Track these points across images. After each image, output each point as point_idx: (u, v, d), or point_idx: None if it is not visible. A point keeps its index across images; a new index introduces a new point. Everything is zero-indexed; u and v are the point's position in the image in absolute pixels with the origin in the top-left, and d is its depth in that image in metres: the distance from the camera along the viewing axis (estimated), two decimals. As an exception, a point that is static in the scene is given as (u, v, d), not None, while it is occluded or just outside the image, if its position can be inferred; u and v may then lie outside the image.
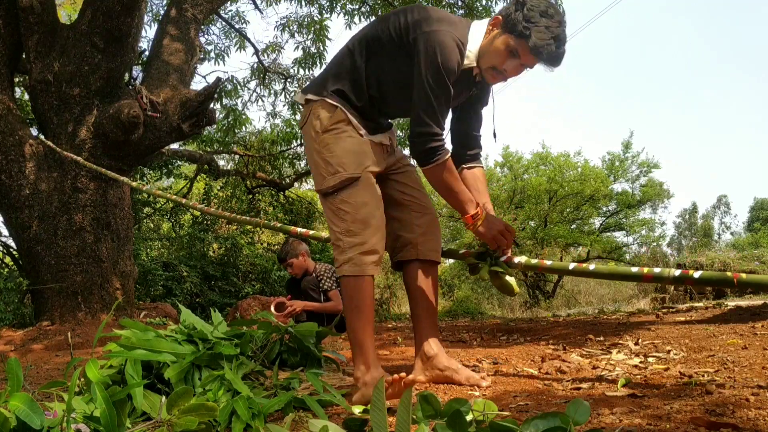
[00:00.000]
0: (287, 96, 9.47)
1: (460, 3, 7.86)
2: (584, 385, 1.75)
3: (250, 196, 10.23)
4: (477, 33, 1.81)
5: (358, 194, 1.80)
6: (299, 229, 2.69)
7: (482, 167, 2.08)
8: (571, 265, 1.85)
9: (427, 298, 1.96)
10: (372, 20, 1.87)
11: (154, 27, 8.05)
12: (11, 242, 6.50)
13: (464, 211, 1.87)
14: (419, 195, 2.02)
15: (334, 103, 1.85)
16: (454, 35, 1.73)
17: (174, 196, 3.78)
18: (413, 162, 2.04)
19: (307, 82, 2.01)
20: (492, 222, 1.87)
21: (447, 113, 1.81)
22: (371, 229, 1.79)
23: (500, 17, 1.77)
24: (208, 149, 9.39)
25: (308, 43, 8.62)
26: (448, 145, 1.87)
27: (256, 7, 8.64)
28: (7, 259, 7.14)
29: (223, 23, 8.76)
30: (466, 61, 1.78)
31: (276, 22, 8.97)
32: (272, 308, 3.94)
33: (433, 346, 1.94)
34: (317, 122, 1.86)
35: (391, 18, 1.82)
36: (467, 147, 2.04)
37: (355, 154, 1.82)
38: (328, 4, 8.26)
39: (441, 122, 1.77)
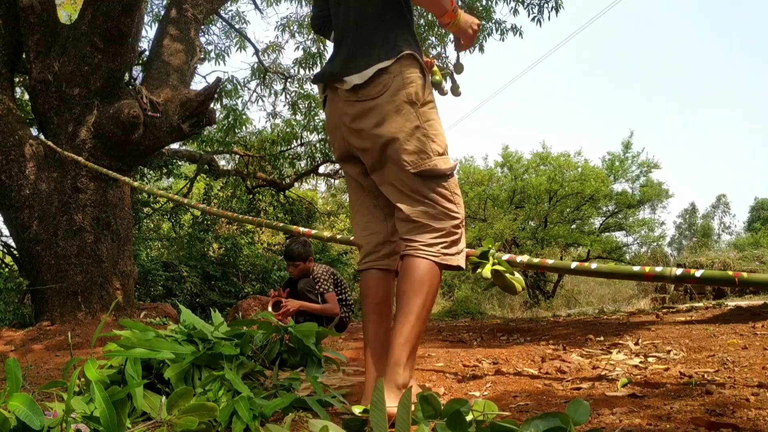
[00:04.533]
0: (287, 96, 9.47)
1: (460, 3, 7.87)
2: (584, 385, 1.75)
3: (251, 196, 10.23)
4: None
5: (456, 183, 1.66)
6: (301, 229, 2.70)
7: None
8: (573, 264, 1.85)
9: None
10: None
11: (154, 27, 8.05)
12: (11, 242, 6.50)
13: (444, 9, 1.60)
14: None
15: (422, 67, 1.61)
16: None
17: (174, 196, 3.78)
18: None
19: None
20: (469, 17, 1.67)
21: None
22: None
23: None
24: (208, 149, 9.39)
25: (308, 43, 8.62)
26: None
27: (256, 7, 8.64)
28: (8, 259, 7.14)
29: (224, 23, 8.77)
30: None
31: (276, 22, 8.98)
32: (270, 308, 3.92)
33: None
34: (413, 90, 1.58)
35: None
36: None
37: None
38: (328, 4, 8.26)
39: None
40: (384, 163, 1.60)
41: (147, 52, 6.00)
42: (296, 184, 10.86)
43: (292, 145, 9.61)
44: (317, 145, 9.31)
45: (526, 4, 7.51)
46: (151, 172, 9.11)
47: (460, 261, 1.60)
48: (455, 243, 1.60)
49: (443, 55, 8.44)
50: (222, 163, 10.58)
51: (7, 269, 6.86)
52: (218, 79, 5.08)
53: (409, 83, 1.57)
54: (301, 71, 8.93)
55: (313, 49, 8.64)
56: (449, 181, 1.60)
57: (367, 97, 1.58)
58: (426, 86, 1.60)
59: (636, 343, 2.54)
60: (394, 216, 1.64)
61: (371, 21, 1.62)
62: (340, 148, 1.72)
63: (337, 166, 9.94)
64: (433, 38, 8.37)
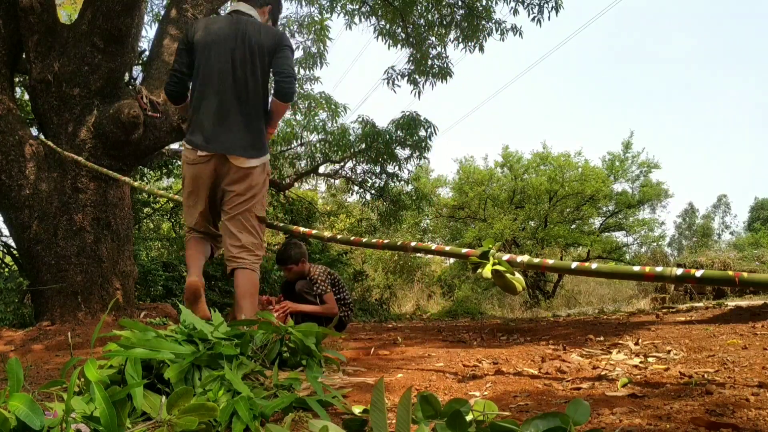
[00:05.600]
0: (287, 96, 9.45)
1: (460, 3, 7.87)
2: (584, 385, 1.75)
3: (251, 196, 10.20)
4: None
5: None
6: (301, 229, 2.70)
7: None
8: (573, 264, 1.85)
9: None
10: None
11: (154, 27, 8.05)
12: (11, 242, 6.50)
13: (276, 127, 3.11)
14: None
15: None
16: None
17: (175, 196, 3.77)
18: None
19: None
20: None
21: None
22: None
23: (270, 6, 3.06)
24: (209, 149, 9.34)
25: (309, 43, 8.63)
26: None
27: (256, 7, 8.62)
28: (8, 259, 7.14)
29: (223, 23, 8.73)
30: None
31: (276, 22, 8.96)
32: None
33: None
34: (267, 175, 2.90)
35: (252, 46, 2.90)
36: None
37: None
38: (328, 4, 8.28)
39: None
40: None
41: (147, 52, 6.00)
42: (296, 184, 10.86)
43: (292, 145, 9.60)
44: (317, 145, 9.31)
45: (526, 4, 7.51)
46: (151, 172, 9.11)
47: (256, 266, 2.82)
48: (257, 257, 2.83)
49: (443, 54, 8.44)
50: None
51: (7, 269, 6.86)
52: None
53: (268, 171, 2.91)
54: (301, 71, 8.94)
55: (313, 49, 8.64)
56: (261, 225, 2.87)
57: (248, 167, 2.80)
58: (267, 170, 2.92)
59: (636, 343, 2.54)
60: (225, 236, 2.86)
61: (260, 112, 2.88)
62: (205, 189, 2.84)
63: (337, 166, 9.94)
64: (433, 38, 8.38)
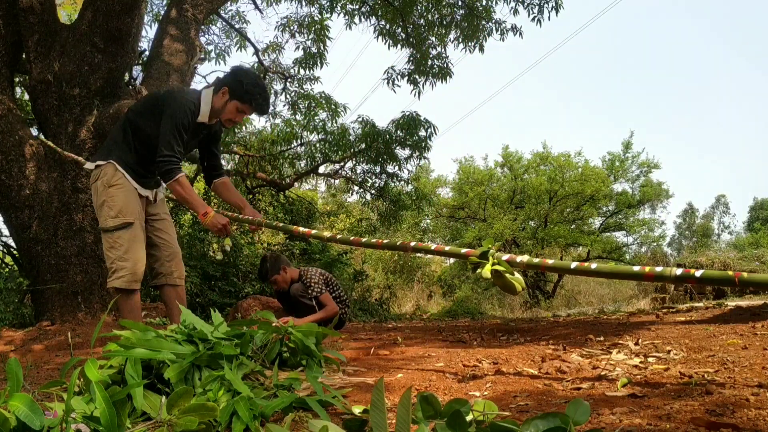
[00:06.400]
0: (287, 96, 9.48)
1: (460, 3, 7.87)
2: (584, 385, 1.75)
3: (251, 196, 10.22)
4: (206, 98, 2.80)
5: (128, 234, 2.72)
6: (301, 229, 2.70)
7: (226, 177, 3.15)
8: (573, 264, 1.85)
9: (177, 306, 2.77)
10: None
11: (155, 27, 8.05)
12: (11, 242, 6.49)
13: (197, 211, 2.80)
14: (170, 239, 2.97)
15: (117, 166, 2.73)
16: (191, 101, 2.72)
17: (173, 195, 3.78)
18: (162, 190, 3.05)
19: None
20: (216, 218, 2.78)
21: (181, 149, 2.68)
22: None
23: (227, 88, 2.78)
24: (208, 149, 9.35)
25: (308, 43, 8.63)
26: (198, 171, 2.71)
27: (256, 7, 8.64)
28: (8, 259, 7.14)
29: (224, 23, 8.77)
30: (199, 118, 2.78)
31: (276, 22, 8.98)
32: None
33: None
34: (105, 178, 2.72)
35: (148, 97, 2.84)
36: (214, 169, 3.12)
37: (131, 204, 2.74)
38: (328, 4, 8.27)
39: (177, 154, 2.65)
40: None
41: (147, 52, 6.00)
42: (296, 184, 10.85)
43: (292, 145, 9.60)
44: (317, 145, 9.31)
45: (526, 4, 7.51)
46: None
47: (114, 284, 2.69)
48: (114, 272, 2.70)
49: (443, 54, 8.44)
50: (222, 162, 10.58)
51: (7, 269, 6.86)
52: (218, 79, 5.07)
53: (104, 175, 2.75)
54: (301, 71, 8.94)
55: (313, 49, 8.64)
56: (113, 234, 2.72)
57: (91, 179, 2.88)
58: (115, 177, 2.74)
59: (636, 343, 2.53)
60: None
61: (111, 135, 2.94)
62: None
63: (337, 166, 9.95)
64: (433, 38, 8.38)
